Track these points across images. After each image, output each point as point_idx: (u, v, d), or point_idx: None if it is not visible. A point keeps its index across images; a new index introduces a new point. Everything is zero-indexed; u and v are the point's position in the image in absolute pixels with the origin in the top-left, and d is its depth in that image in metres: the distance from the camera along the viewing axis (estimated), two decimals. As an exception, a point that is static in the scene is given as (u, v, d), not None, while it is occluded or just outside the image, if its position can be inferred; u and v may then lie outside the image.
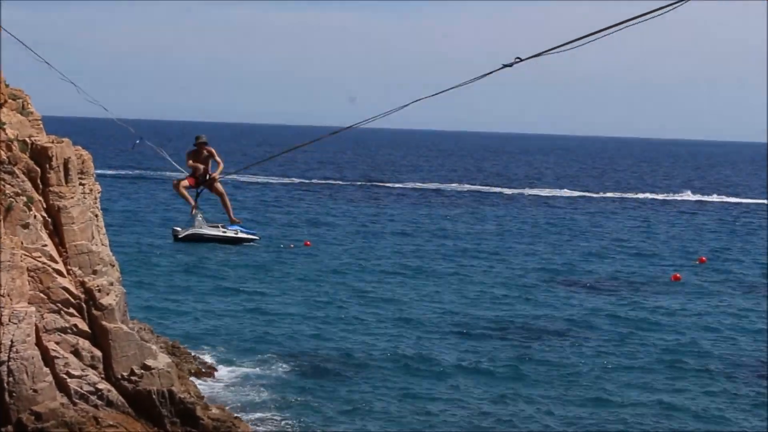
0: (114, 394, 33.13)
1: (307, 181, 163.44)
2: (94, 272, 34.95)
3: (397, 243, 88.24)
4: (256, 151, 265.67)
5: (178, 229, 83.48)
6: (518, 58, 10.93)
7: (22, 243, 32.04)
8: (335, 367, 46.20)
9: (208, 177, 21.44)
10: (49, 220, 34.13)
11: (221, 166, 22.62)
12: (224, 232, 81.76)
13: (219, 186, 21.51)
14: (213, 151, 21.49)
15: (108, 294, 34.80)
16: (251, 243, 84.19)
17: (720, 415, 41.07)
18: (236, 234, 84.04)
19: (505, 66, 10.94)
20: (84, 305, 33.96)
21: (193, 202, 21.99)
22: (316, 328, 53.82)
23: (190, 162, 21.25)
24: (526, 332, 54.34)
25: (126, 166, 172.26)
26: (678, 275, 72.99)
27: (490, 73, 11.50)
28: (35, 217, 33.09)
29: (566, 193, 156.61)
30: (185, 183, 20.93)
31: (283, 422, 38.27)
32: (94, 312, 34.04)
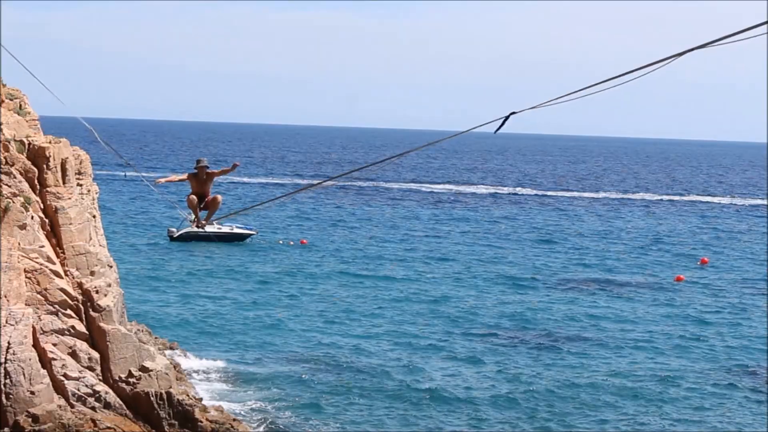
0: (112, 396, 32.94)
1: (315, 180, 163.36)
2: (92, 273, 34.74)
3: (395, 244, 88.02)
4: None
5: (174, 229, 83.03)
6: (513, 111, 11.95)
7: (19, 244, 31.84)
8: (334, 367, 46.02)
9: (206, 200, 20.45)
10: (47, 220, 33.91)
11: (227, 170, 21.06)
12: (219, 228, 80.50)
13: (218, 200, 20.56)
14: (213, 174, 20.34)
15: (106, 295, 34.60)
16: (248, 239, 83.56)
17: (720, 415, 40.93)
18: (232, 230, 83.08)
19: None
20: (82, 306, 33.75)
21: (195, 217, 20.96)
22: (315, 328, 53.64)
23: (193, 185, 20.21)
24: (529, 334, 54.18)
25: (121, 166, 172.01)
26: (681, 276, 73.30)
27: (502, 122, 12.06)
28: (32, 217, 32.88)
29: (565, 193, 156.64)
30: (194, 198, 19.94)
31: (281, 423, 38.06)
32: (92, 313, 33.84)
